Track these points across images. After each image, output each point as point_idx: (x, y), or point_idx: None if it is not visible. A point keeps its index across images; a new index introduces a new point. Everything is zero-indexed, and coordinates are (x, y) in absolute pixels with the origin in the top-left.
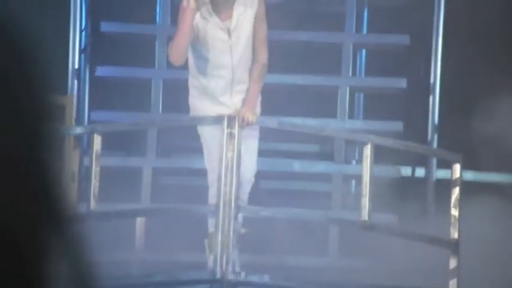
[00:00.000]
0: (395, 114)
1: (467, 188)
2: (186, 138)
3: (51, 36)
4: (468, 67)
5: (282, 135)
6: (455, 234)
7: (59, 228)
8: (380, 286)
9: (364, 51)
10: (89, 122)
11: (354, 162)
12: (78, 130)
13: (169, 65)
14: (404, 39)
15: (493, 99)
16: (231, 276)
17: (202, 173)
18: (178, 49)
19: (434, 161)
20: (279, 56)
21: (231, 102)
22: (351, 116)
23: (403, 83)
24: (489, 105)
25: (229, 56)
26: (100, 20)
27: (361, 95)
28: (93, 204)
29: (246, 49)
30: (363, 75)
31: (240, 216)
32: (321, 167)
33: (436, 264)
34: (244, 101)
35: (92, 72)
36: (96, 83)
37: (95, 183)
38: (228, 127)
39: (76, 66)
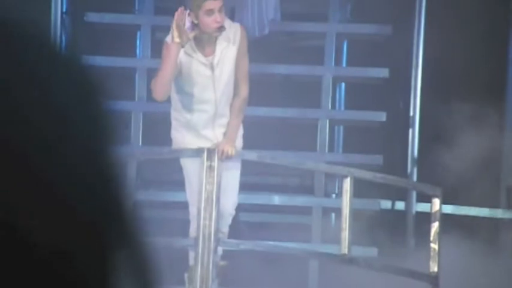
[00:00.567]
0: (375, 148)
1: (447, 220)
2: (165, 171)
3: None
4: (448, 100)
5: (262, 168)
6: (435, 268)
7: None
8: None
9: (343, 84)
10: None
11: (333, 195)
12: None
13: (149, 98)
14: (383, 72)
15: (473, 133)
16: None
17: (181, 206)
18: (163, 85)
19: (414, 194)
20: (260, 89)
21: (213, 135)
22: (331, 149)
23: (382, 116)
24: (469, 138)
25: (213, 91)
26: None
27: (341, 128)
28: None
29: (229, 83)
30: (342, 108)
31: (219, 248)
32: (300, 200)
33: None
34: (224, 134)
35: None
36: None
37: None
38: (207, 160)
39: None
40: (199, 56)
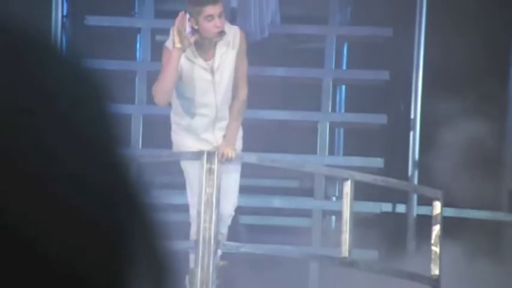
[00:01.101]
0: (376, 150)
1: (448, 223)
2: (165, 174)
3: None
4: (449, 103)
5: (262, 171)
6: (436, 271)
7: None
8: None
9: (343, 87)
10: None
11: (334, 198)
12: None
13: (149, 101)
14: (384, 74)
15: (474, 135)
16: None
17: (182, 208)
18: (165, 91)
19: (415, 197)
20: (260, 91)
21: (213, 138)
22: (331, 151)
23: (383, 118)
24: (470, 140)
25: (213, 95)
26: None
27: (341, 131)
28: None
29: (229, 87)
30: (342, 110)
31: (219, 250)
32: (301, 203)
33: None
34: (224, 137)
35: None
36: None
37: None
38: (207, 162)
39: None
40: (200, 60)
